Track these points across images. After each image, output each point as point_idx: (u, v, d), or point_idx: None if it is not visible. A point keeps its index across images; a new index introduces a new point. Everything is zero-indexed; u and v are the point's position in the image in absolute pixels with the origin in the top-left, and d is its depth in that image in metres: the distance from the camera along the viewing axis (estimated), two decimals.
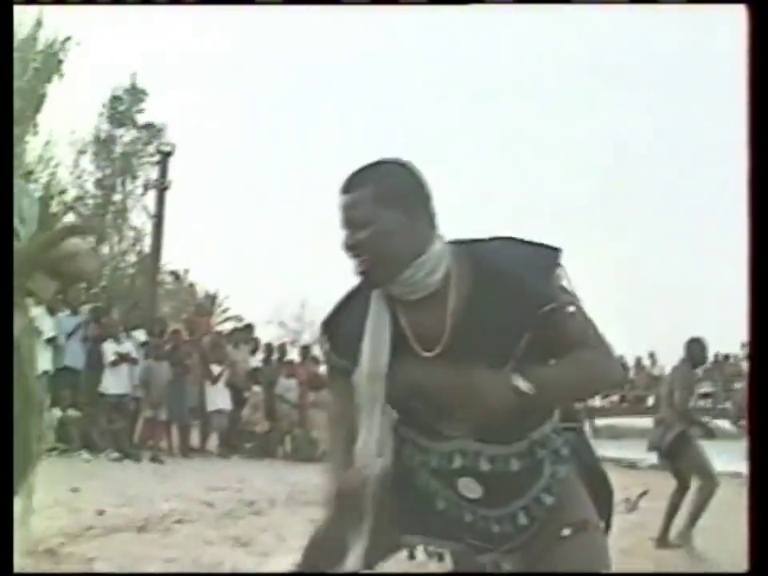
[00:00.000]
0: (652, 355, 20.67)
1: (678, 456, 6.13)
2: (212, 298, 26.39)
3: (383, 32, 32.58)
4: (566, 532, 1.78)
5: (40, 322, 8.60)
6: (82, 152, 18.19)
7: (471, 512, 1.82)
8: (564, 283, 1.74)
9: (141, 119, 19.44)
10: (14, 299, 2.70)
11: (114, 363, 9.50)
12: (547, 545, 1.78)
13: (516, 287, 1.70)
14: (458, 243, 1.79)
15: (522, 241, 1.78)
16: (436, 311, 1.73)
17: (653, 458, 7.13)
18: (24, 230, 2.84)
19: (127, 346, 9.84)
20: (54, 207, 17.28)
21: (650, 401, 20.51)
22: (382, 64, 37.65)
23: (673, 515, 5.94)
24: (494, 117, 34.45)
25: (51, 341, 8.90)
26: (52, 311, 9.05)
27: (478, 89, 34.36)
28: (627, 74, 33.81)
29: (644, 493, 8.20)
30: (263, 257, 34.45)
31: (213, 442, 11.23)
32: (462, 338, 1.71)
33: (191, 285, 24.88)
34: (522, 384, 1.62)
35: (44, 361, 8.66)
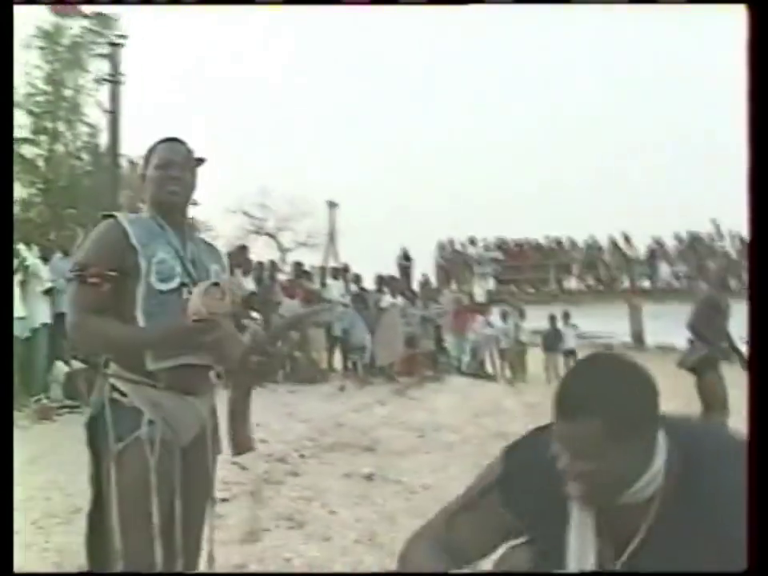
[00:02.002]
0: (626, 237, 20.77)
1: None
2: None
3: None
4: None
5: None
6: (27, 46, 16.80)
7: None
8: None
9: (89, 9, 17.99)
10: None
11: None
12: None
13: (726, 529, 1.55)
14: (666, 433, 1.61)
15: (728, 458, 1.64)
16: (633, 519, 1.60)
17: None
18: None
19: None
20: None
21: (626, 282, 20.99)
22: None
23: None
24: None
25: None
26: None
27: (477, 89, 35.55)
28: (627, 75, 33.89)
29: None
30: (221, 145, 33.72)
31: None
32: (652, 553, 1.60)
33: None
34: None
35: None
